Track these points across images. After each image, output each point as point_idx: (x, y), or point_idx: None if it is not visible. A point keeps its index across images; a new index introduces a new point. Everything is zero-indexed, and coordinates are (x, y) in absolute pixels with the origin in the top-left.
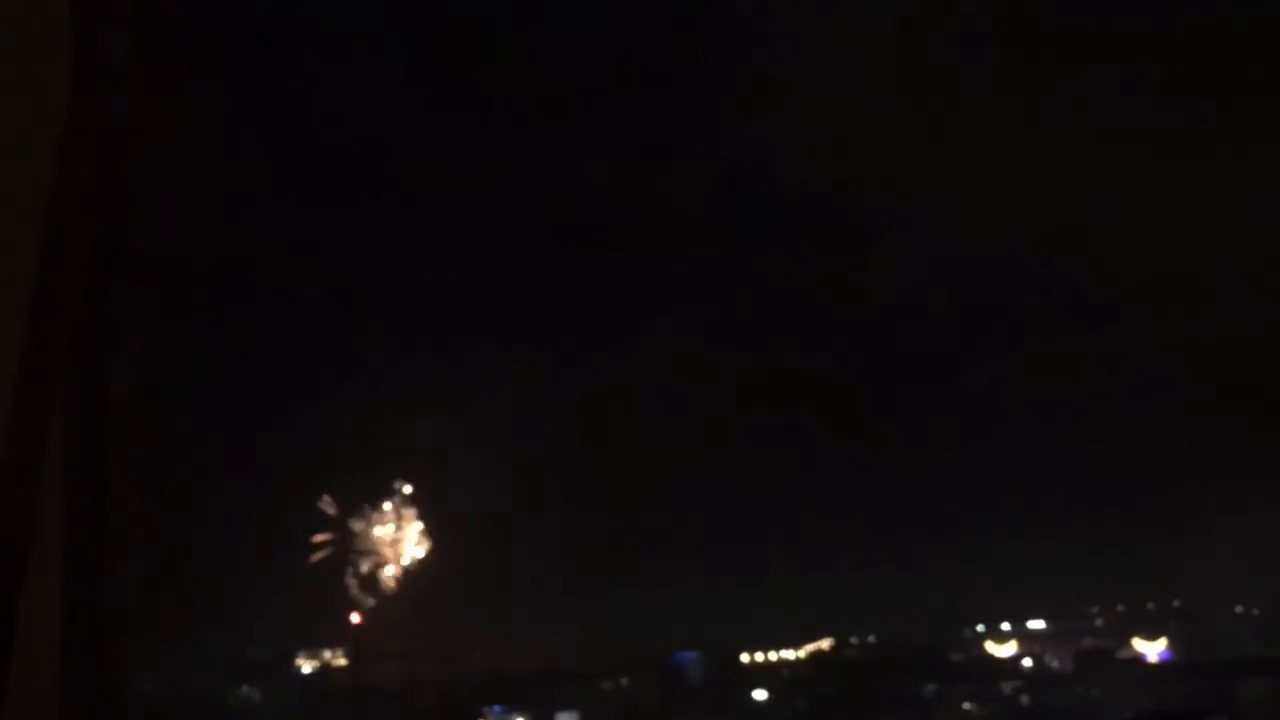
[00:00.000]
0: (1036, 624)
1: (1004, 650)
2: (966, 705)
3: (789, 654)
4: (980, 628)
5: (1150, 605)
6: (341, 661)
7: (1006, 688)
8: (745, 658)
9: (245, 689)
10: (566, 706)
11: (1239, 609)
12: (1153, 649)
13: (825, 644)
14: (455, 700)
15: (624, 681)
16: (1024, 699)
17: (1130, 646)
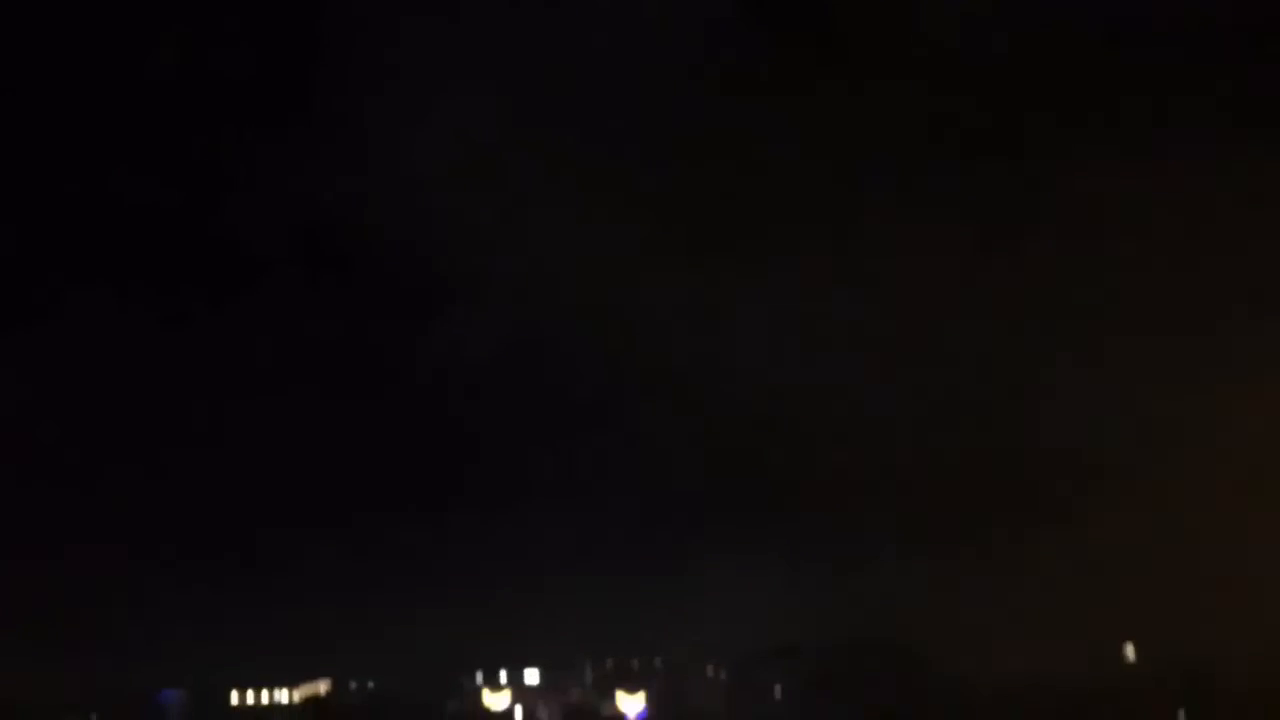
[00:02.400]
0: (532, 676)
1: (499, 701)
2: None
3: (283, 695)
4: (479, 678)
5: (635, 662)
6: None
7: None
8: (235, 698)
9: None
10: None
11: (709, 671)
12: (632, 705)
13: (322, 686)
14: None
15: None
16: None
17: (614, 701)
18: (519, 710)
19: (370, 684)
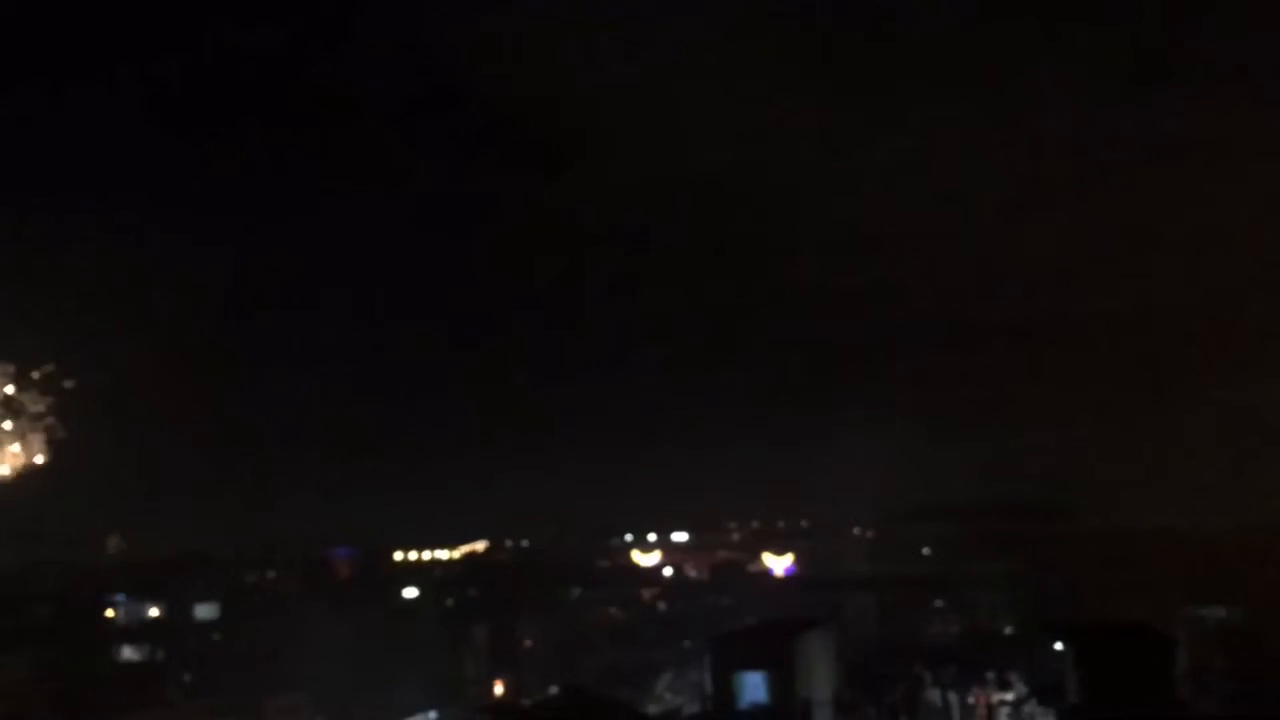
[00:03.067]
0: (680, 536)
1: (648, 560)
2: (611, 610)
3: (443, 554)
4: (628, 537)
5: (781, 523)
6: None
7: (646, 594)
8: (398, 556)
9: None
10: (206, 597)
11: (856, 530)
12: (780, 563)
13: (480, 545)
14: (80, 587)
15: (270, 574)
16: (661, 605)
17: (760, 560)
18: (668, 568)
19: (524, 543)
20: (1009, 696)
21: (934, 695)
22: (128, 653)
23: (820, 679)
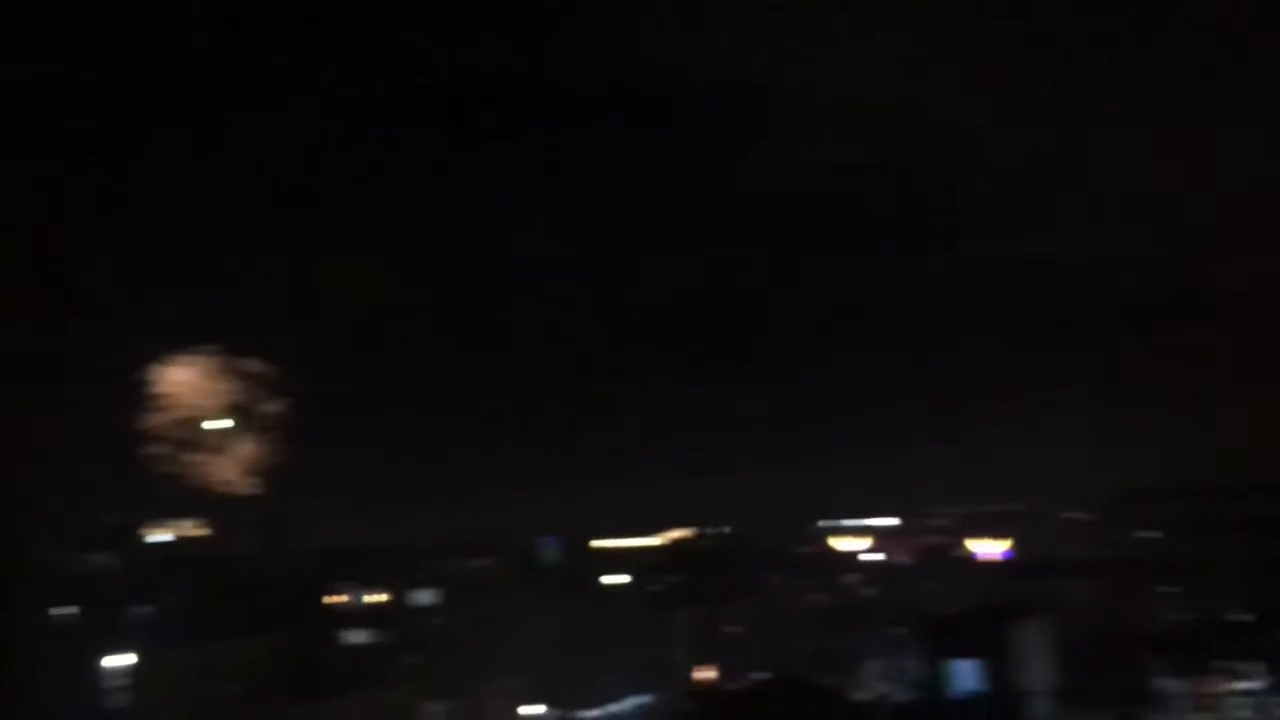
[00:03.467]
0: (883, 521)
1: (851, 545)
2: (812, 595)
3: (647, 541)
4: (830, 523)
5: (991, 507)
6: (198, 530)
7: (850, 580)
8: (604, 544)
9: (96, 557)
10: (424, 584)
11: (1071, 514)
12: (990, 548)
13: (683, 533)
14: (309, 573)
15: (483, 563)
16: (866, 591)
17: (969, 545)
18: (872, 553)
19: (726, 530)
20: (1245, 686)
21: (1163, 685)
22: (354, 636)
23: (1038, 668)
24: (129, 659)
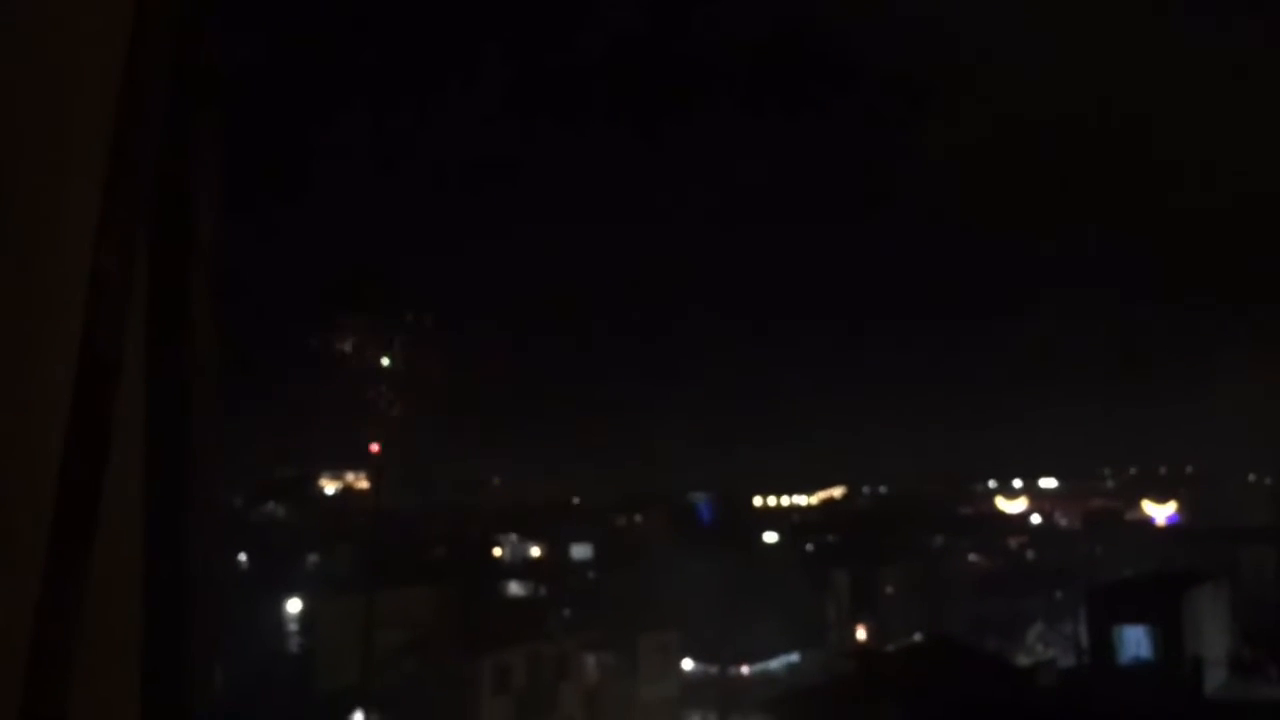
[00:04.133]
0: (1048, 483)
1: (1014, 506)
2: (972, 557)
3: (801, 500)
4: (992, 484)
5: (1162, 469)
6: (363, 484)
7: (1013, 542)
8: (758, 501)
9: (270, 506)
10: (581, 539)
11: (1251, 477)
12: (1161, 512)
13: (837, 492)
14: (471, 527)
15: (637, 518)
16: (1029, 554)
17: (1139, 508)
18: (1035, 515)
19: (882, 489)
20: None
21: None
22: (514, 589)
23: (1213, 636)
24: (303, 605)
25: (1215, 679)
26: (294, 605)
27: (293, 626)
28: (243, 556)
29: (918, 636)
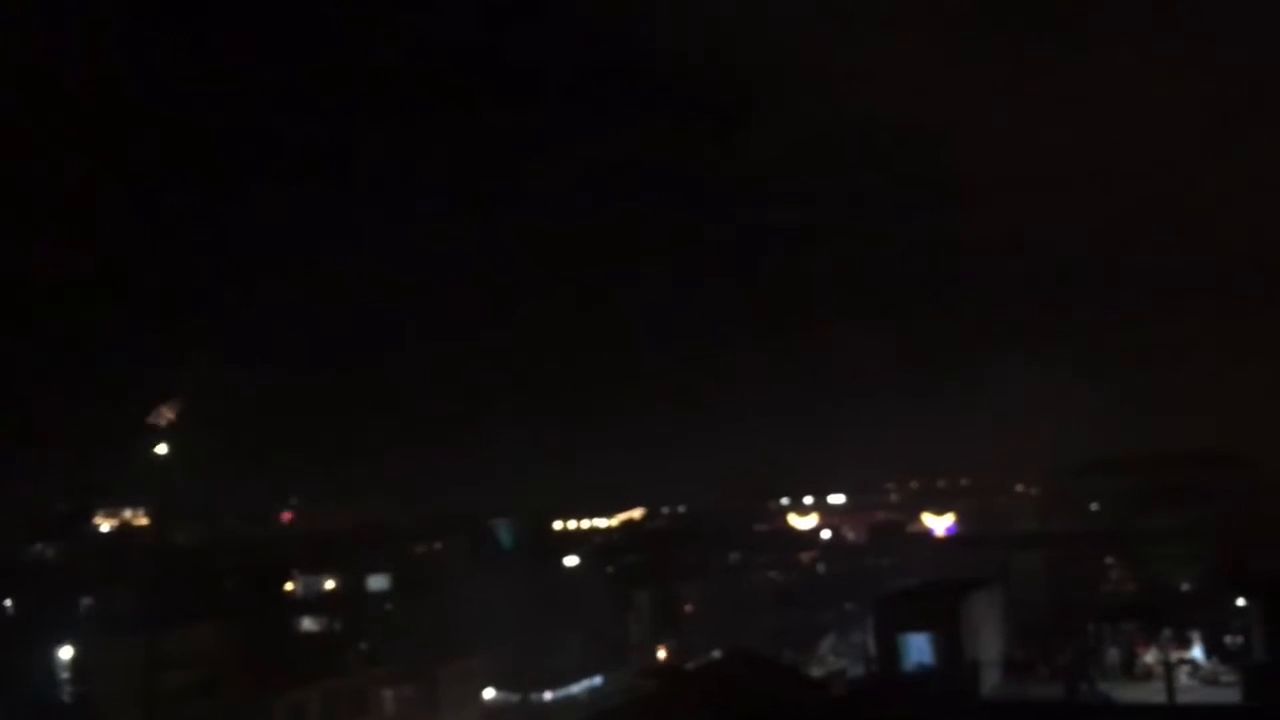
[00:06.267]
0: (837, 498)
1: (805, 522)
2: (770, 573)
3: (602, 522)
4: (784, 501)
5: (941, 483)
6: (142, 520)
7: (805, 557)
8: (558, 525)
9: (38, 547)
10: (378, 569)
11: (1019, 488)
12: (940, 523)
13: (637, 513)
14: (261, 560)
15: (437, 545)
16: (820, 567)
17: (920, 521)
18: (826, 530)
19: (680, 509)
20: (1189, 655)
21: (1110, 654)
22: (307, 623)
23: (988, 639)
24: (79, 649)
25: (991, 680)
26: (66, 652)
27: (65, 675)
28: (8, 602)
29: (717, 653)
